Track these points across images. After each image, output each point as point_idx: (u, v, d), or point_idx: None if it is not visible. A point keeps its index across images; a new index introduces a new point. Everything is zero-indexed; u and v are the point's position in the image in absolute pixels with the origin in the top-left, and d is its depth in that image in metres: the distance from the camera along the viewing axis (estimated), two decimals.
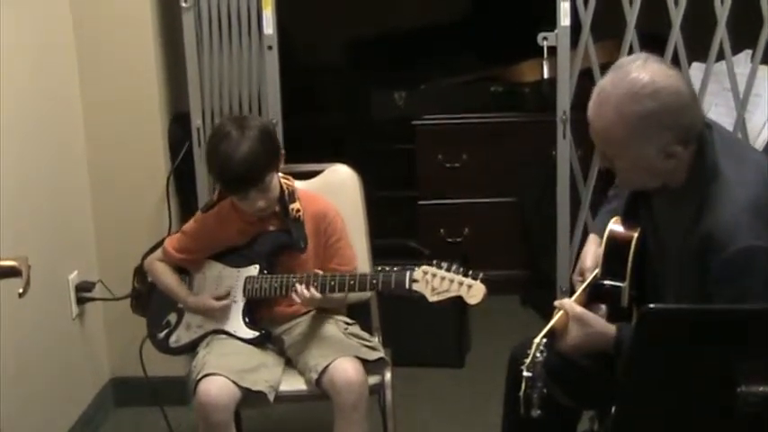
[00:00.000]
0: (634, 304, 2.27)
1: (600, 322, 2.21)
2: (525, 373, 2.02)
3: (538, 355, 2.04)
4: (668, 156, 2.12)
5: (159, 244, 2.91)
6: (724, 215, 2.06)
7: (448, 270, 2.56)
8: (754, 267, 2.02)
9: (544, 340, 2.08)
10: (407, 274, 2.59)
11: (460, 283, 2.54)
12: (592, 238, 2.52)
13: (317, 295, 2.66)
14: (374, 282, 2.65)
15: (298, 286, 2.67)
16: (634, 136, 2.10)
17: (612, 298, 2.28)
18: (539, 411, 2.01)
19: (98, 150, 3.47)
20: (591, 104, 2.16)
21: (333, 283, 2.67)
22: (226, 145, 2.66)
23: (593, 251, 2.45)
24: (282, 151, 2.79)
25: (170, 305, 2.88)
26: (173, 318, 2.88)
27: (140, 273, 2.96)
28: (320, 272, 2.70)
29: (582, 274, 2.44)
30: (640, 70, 2.10)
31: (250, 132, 2.68)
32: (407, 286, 2.59)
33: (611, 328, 2.20)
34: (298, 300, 2.70)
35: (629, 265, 2.27)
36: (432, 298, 2.57)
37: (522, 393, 2.01)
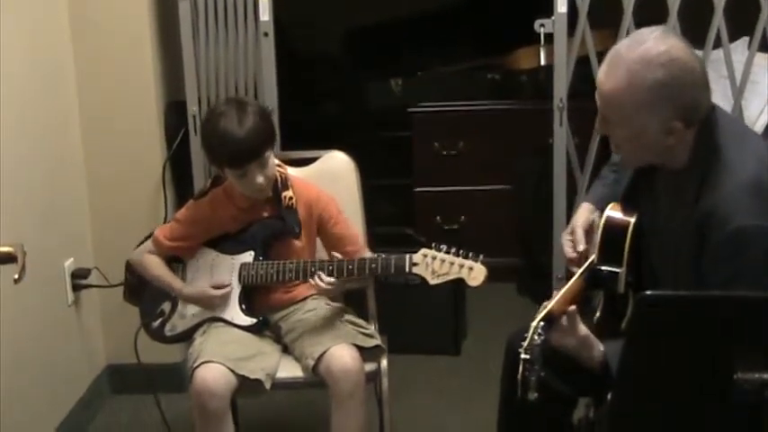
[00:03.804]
0: (631, 290, 2.27)
1: (585, 346, 2.18)
2: (523, 356, 2.02)
3: (536, 337, 2.04)
4: (668, 132, 2.11)
5: (147, 238, 2.90)
6: (724, 194, 2.06)
7: (447, 253, 2.56)
8: (752, 246, 2.02)
9: (542, 323, 2.08)
10: (407, 257, 2.59)
11: (461, 266, 2.54)
12: (584, 205, 2.52)
13: (334, 281, 2.66)
14: (373, 266, 2.64)
15: (318, 276, 2.66)
16: (640, 104, 2.08)
17: (609, 284, 2.28)
18: (536, 394, 2.01)
19: (94, 137, 3.46)
20: (602, 67, 2.15)
21: (331, 268, 2.66)
22: (226, 121, 2.67)
23: (584, 214, 2.46)
24: (276, 133, 2.80)
25: (164, 294, 2.86)
26: (167, 306, 2.87)
27: (131, 266, 2.95)
28: (339, 256, 2.69)
29: (572, 232, 2.44)
30: (658, 40, 2.09)
31: (249, 108, 2.71)
32: (408, 270, 2.59)
33: (597, 353, 2.18)
34: (321, 286, 2.67)
35: (626, 250, 2.27)
36: (432, 281, 2.57)
37: (519, 376, 2.01)
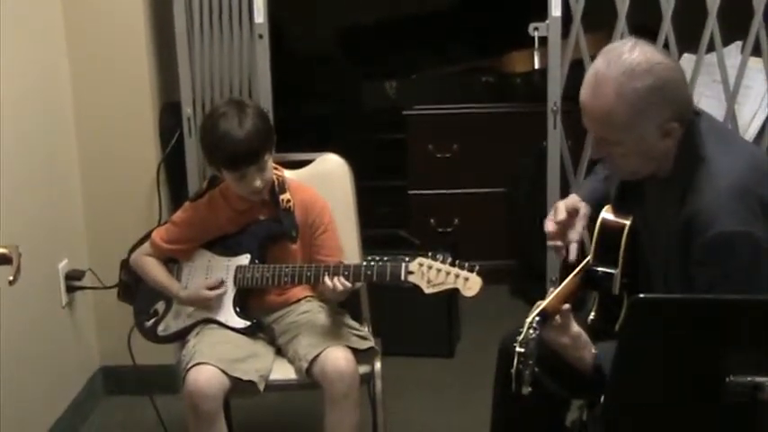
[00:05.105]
0: (625, 291, 2.28)
1: (577, 345, 2.19)
2: (518, 349, 2.03)
3: (531, 332, 2.05)
4: (666, 134, 2.12)
5: (146, 237, 2.90)
6: (707, 198, 2.07)
7: (443, 262, 2.55)
8: (734, 251, 2.03)
9: (536, 319, 2.09)
10: (403, 265, 2.58)
11: (457, 276, 2.54)
12: (572, 195, 2.51)
13: (348, 284, 2.65)
14: (369, 273, 2.64)
15: (328, 279, 2.65)
16: (636, 114, 2.09)
17: (604, 284, 2.29)
18: (529, 388, 2.02)
19: (89, 139, 3.46)
20: (585, 90, 2.15)
21: (327, 273, 2.66)
22: (225, 123, 2.67)
23: (570, 200, 2.46)
24: (275, 136, 2.80)
25: (158, 294, 2.87)
26: (161, 306, 2.87)
27: (127, 265, 2.95)
28: (344, 262, 2.68)
29: (555, 209, 2.44)
30: (633, 50, 2.11)
31: (249, 110, 2.71)
32: (403, 278, 2.59)
33: (588, 354, 2.19)
34: (340, 287, 2.64)
35: (621, 252, 2.28)
36: (428, 290, 2.57)
37: (513, 369, 2.02)
